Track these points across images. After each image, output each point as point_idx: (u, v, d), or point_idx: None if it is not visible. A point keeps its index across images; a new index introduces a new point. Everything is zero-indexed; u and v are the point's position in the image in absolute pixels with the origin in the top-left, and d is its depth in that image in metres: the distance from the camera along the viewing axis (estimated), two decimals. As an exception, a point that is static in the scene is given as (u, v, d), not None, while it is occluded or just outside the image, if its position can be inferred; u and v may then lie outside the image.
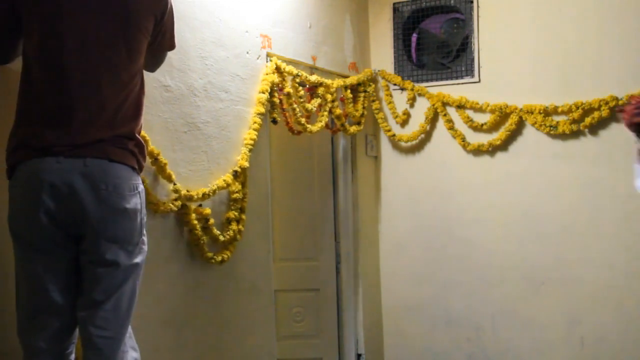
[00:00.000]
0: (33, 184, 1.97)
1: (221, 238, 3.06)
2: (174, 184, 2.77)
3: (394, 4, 4.58)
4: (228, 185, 3.11)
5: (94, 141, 1.99)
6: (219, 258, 3.06)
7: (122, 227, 2.03)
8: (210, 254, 3.01)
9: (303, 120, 3.67)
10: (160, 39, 2.28)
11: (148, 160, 2.67)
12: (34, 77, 2.02)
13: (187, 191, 2.84)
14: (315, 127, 3.78)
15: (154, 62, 2.43)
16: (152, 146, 2.66)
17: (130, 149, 2.07)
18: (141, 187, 2.12)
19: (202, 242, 2.96)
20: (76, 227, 2.00)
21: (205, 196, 2.94)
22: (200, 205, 2.97)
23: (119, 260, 2.03)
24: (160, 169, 2.72)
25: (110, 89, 2.04)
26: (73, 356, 2.13)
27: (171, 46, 2.41)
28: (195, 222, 2.93)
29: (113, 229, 2.01)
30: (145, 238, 2.15)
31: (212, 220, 3.01)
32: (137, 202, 2.07)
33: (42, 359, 2.04)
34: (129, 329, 2.17)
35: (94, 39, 2.03)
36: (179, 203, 2.81)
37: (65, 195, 1.96)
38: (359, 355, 4.46)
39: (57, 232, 1.99)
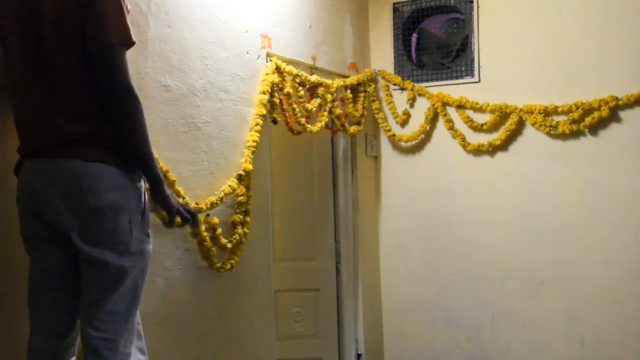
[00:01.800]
0: (22, 186, 2.04)
1: (228, 245, 3.07)
2: (183, 198, 2.78)
3: (394, 4, 4.57)
4: (234, 190, 3.11)
5: (68, 141, 1.95)
6: (228, 266, 3.06)
7: (101, 227, 1.96)
8: (219, 264, 3.02)
9: (303, 120, 3.67)
10: (90, 25, 1.90)
11: None
12: (4, 82, 2.05)
13: (196, 203, 2.84)
14: (314, 127, 3.78)
15: (104, 70, 1.92)
16: (161, 163, 2.66)
17: (109, 147, 1.98)
18: (131, 185, 2.02)
19: (212, 253, 2.96)
20: (60, 227, 2.00)
21: (213, 205, 2.95)
22: (208, 215, 2.98)
23: (108, 260, 1.97)
24: (169, 185, 2.71)
25: (69, 88, 1.96)
26: (74, 358, 2.13)
27: (111, 36, 1.90)
28: (205, 233, 2.93)
29: (90, 229, 1.96)
30: (144, 238, 2.06)
31: (219, 230, 3.02)
32: (117, 199, 1.97)
33: (39, 357, 2.04)
34: (140, 331, 2.14)
35: (37, 39, 1.96)
36: None
37: (45, 195, 1.98)
38: (359, 355, 4.46)
39: (47, 231, 2.01)
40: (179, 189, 2.80)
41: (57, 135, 1.96)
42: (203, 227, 2.92)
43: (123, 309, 2.02)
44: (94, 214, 1.95)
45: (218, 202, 2.98)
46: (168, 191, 2.08)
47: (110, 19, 1.91)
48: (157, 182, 2.04)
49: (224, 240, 3.04)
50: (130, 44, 1.97)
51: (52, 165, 1.96)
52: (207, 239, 2.94)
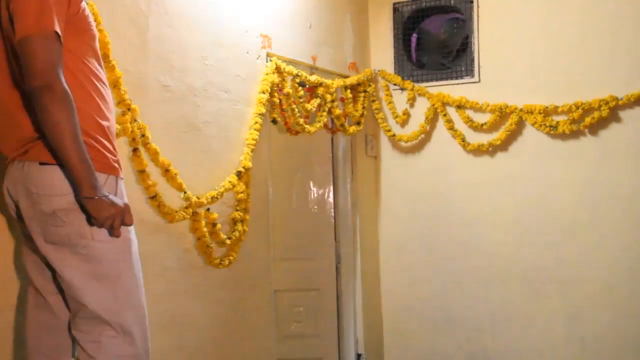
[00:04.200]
0: (5, 191, 2.02)
1: (227, 241, 3.07)
2: (185, 192, 2.78)
3: (394, 4, 4.57)
4: (234, 186, 3.12)
5: (27, 142, 1.90)
6: (226, 262, 3.06)
7: (55, 232, 1.89)
8: (217, 260, 3.02)
9: (301, 120, 3.67)
10: (14, 19, 1.81)
11: (158, 170, 2.68)
12: None
13: (197, 198, 2.85)
14: (313, 128, 3.77)
15: (22, 61, 1.80)
16: (162, 157, 2.69)
17: None
18: None
19: (210, 248, 2.97)
20: (29, 232, 1.98)
21: (214, 200, 2.95)
22: (208, 210, 2.98)
23: (70, 264, 1.90)
24: (171, 179, 2.74)
25: (19, 89, 1.90)
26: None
27: (28, 27, 1.78)
28: (205, 229, 2.93)
29: (47, 232, 1.90)
30: (112, 239, 1.92)
31: (219, 225, 3.03)
32: (69, 202, 1.87)
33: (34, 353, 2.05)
34: (144, 333, 2.03)
35: (4, 40, 1.92)
36: (190, 211, 2.83)
37: (15, 199, 1.97)
38: (359, 355, 4.46)
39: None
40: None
41: (18, 136, 1.92)
42: (203, 223, 2.92)
43: (102, 310, 1.92)
44: (48, 219, 1.89)
45: (218, 196, 2.98)
46: (99, 193, 1.82)
47: (28, 10, 1.79)
48: (77, 183, 1.82)
49: (222, 236, 3.04)
50: (50, 33, 1.79)
51: (16, 168, 1.94)
52: (207, 234, 2.94)
